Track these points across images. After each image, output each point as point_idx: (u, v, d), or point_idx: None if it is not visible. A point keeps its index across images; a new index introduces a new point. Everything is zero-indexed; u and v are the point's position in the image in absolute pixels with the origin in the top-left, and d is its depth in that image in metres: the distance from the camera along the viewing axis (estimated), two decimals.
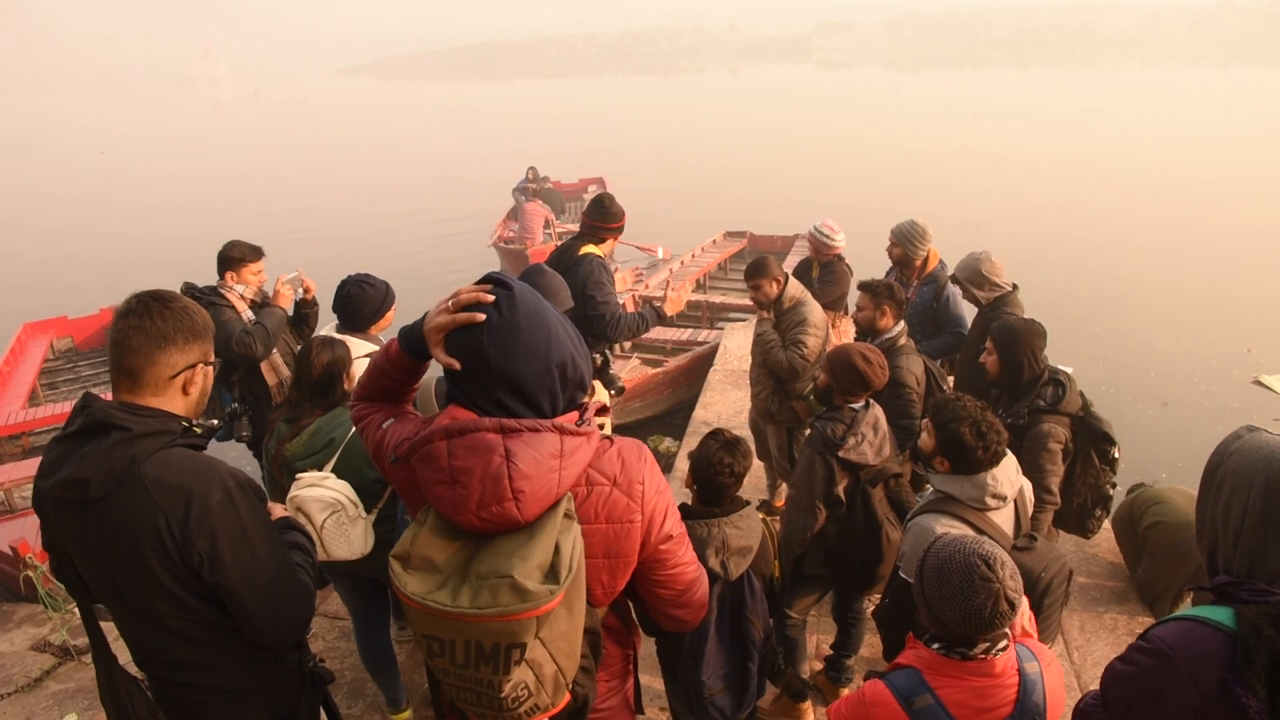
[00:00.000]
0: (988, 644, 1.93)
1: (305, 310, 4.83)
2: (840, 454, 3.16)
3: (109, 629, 2.04)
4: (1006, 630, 1.95)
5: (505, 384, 1.55)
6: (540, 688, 1.54)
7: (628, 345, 9.70)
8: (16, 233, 20.79)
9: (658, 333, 9.85)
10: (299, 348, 3.99)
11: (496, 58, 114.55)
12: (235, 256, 4.52)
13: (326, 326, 3.96)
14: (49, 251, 18.59)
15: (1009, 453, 2.91)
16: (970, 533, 2.67)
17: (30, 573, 4.75)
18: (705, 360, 8.57)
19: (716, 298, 11.25)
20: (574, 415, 1.61)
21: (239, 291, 4.46)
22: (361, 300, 3.80)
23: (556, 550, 1.48)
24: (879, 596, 4.34)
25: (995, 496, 2.75)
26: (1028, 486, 3.07)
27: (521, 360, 1.55)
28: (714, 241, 13.72)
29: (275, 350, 4.48)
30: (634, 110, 47.07)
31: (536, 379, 1.57)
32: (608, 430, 1.99)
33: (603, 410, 1.72)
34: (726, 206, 18.17)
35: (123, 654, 2.03)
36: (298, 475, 3.01)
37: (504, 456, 1.48)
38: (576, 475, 1.56)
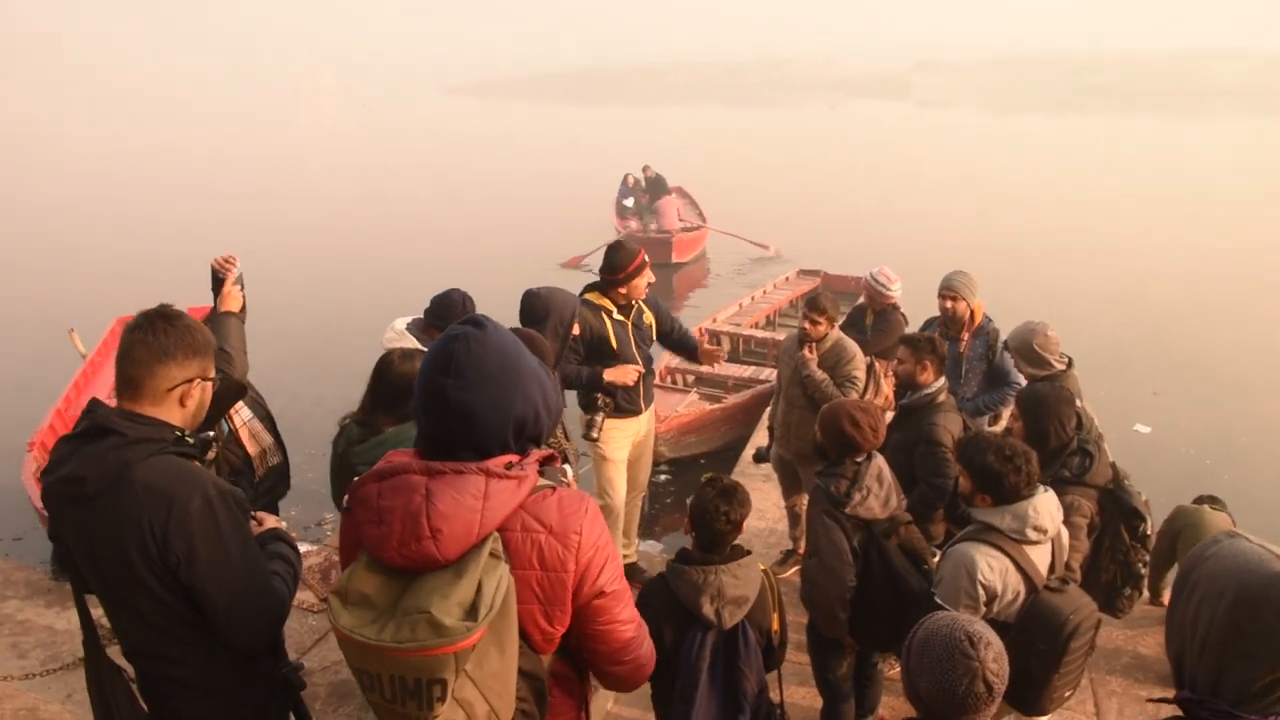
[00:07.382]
0: None
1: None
2: (847, 510, 3.11)
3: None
4: (988, 718, 1.89)
5: (460, 425, 1.63)
6: None
7: (690, 379, 9.72)
8: (122, 227, 21.87)
9: (721, 369, 9.79)
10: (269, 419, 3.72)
11: (592, 84, 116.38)
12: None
13: (400, 320, 4.26)
14: (150, 247, 19.42)
15: (1050, 490, 2.89)
16: (1009, 565, 2.71)
17: None
18: (765, 398, 8.49)
19: (784, 336, 11.14)
20: (506, 459, 1.66)
21: None
22: (459, 308, 4.14)
23: (479, 589, 1.52)
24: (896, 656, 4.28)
25: (1036, 529, 2.75)
26: (1065, 532, 3.02)
27: (482, 410, 1.63)
28: (786, 279, 13.68)
29: (255, 416, 3.72)
30: (723, 140, 47.11)
31: (491, 431, 1.65)
32: (570, 479, 2.05)
33: (549, 460, 1.75)
34: (802, 241, 18.13)
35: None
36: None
37: (424, 496, 1.56)
38: (501, 518, 1.60)
